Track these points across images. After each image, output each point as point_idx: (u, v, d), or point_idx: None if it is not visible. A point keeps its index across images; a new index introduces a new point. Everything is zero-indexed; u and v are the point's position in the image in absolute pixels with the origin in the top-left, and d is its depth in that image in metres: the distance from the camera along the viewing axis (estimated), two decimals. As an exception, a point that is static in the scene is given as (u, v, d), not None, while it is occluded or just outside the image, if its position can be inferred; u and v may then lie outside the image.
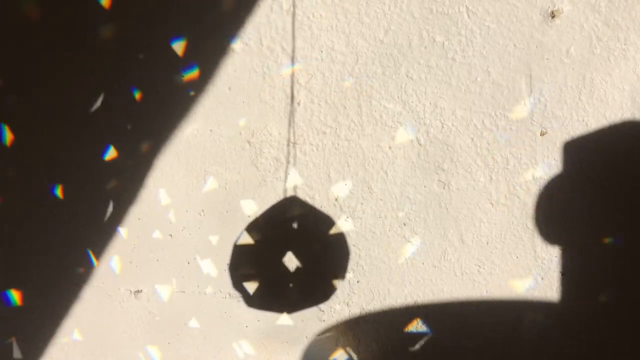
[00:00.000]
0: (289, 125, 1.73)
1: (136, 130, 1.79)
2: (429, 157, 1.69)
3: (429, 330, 1.75)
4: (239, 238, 1.79)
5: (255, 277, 1.80)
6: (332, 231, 1.75)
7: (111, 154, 1.81)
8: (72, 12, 1.77)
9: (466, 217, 1.69)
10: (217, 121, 1.75)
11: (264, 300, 1.80)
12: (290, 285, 1.78)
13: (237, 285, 1.81)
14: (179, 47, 1.74)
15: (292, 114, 1.72)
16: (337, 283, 1.77)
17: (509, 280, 1.69)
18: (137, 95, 1.78)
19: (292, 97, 1.72)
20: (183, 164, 1.79)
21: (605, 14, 1.57)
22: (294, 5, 1.68)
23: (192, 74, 1.74)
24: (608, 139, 1.61)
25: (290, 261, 1.77)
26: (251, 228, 1.78)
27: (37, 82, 1.81)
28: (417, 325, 1.75)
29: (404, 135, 1.69)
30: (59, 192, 1.85)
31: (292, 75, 1.71)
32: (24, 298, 1.91)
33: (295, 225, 1.76)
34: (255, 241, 1.79)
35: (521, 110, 1.64)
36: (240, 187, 1.77)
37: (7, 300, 1.91)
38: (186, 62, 1.74)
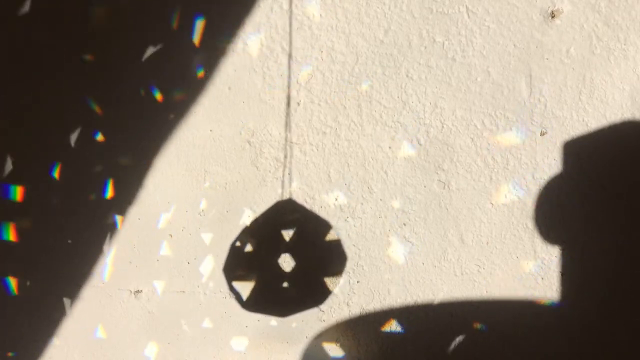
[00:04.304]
0: (289, 125, 1.73)
1: (136, 130, 1.79)
2: (429, 157, 1.69)
3: (428, 331, 1.75)
4: (237, 239, 1.79)
5: (253, 279, 1.80)
6: (330, 233, 1.75)
7: (111, 154, 1.81)
8: (71, 18, 1.78)
9: (466, 217, 1.69)
10: (217, 121, 1.76)
11: (263, 302, 1.80)
12: (289, 286, 1.78)
13: (236, 286, 1.81)
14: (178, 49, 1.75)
15: (290, 114, 1.72)
16: (336, 284, 1.77)
17: (509, 280, 1.69)
18: (139, 98, 1.78)
19: (290, 97, 1.72)
20: (183, 164, 1.79)
21: (605, 14, 1.57)
22: (295, 6, 1.68)
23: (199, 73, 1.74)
24: (608, 139, 1.61)
25: (289, 262, 1.77)
26: (250, 229, 1.78)
27: (36, 85, 1.82)
28: (416, 326, 1.75)
29: (404, 135, 1.69)
30: (59, 198, 1.85)
31: (291, 76, 1.71)
32: (25, 298, 1.91)
33: (293, 227, 1.76)
34: (254, 242, 1.79)
35: (521, 111, 1.64)
36: (240, 187, 1.77)
37: (6, 288, 1.89)
38: (186, 62, 1.74)
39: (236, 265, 1.80)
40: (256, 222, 1.77)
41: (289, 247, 1.77)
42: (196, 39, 1.73)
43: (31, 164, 1.85)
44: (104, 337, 1.90)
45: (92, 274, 1.87)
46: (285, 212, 1.76)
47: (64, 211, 1.85)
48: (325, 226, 1.74)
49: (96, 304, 1.88)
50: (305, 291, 1.78)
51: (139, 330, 1.88)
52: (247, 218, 1.78)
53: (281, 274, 1.77)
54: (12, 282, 1.91)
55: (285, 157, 1.73)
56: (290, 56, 1.70)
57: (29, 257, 1.88)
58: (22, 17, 1.80)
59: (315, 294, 1.78)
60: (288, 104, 1.72)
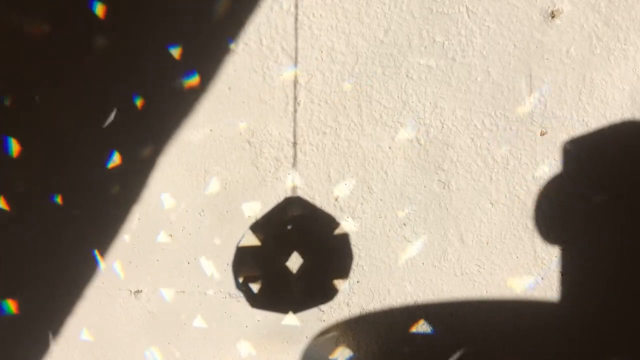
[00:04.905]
0: (294, 125, 1.73)
1: (137, 131, 1.79)
2: (429, 157, 1.69)
3: (428, 331, 1.75)
4: (241, 239, 1.79)
5: (256, 277, 1.80)
6: (336, 231, 1.75)
7: (112, 155, 1.81)
8: (71, 21, 1.78)
9: (466, 217, 1.69)
10: (217, 121, 1.76)
11: (264, 301, 1.80)
12: (292, 285, 1.78)
13: (239, 285, 1.81)
14: (178, 49, 1.74)
15: (294, 114, 1.72)
16: (339, 284, 1.77)
17: (509, 280, 1.69)
18: (139, 98, 1.78)
19: (295, 97, 1.72)
20: (183, 164, 1.79)
21: (605, 14, 1.57)
22: (295, 6, 1.68)
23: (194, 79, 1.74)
24: (608, 139, 1.61)
25: (292, 261, 1.77)
26: (252, 228, 1.78)
27: (39, 88, 1.82)
28: (417, 326, 1.75)
29: (404, 135, 1.69)
30: (58, 198, 1.85)
31: (294, 75, 1.71)
32: (25, 298, 1.91)
33: (297, 226, 1.76)
34: (257, 241, 1.79)
35: (521, 110, 1.64)
36: (241, 187, 1.77)
37: (1, 310, 1.91)
38: (186, 62, 1.74)
39: (243, 263, 1.80)
40: (262, 219, 1.77)
41: (294, 244, 1.77)
42: (196, 38, 1.73)
43: (31, 163, 1.85)
44: (103, 337, 1.90)
45: (92, 274, 1.87)
46: (291, 209, 1.76)
47: (65, 210, 1.85)
48: (333, 222, 1.74)
49: (96, 304, 1.88)
50: (311, 289, 1.78)
51: (139, 330, 1.88)
52: (247, 218, 1.78)
53: (287, 272, 1.77)
54: (11, 305, 1.91)
55: (294, 156, 1.73)
56: (294, 57, 1.70)
57: (29, 256, 1.88)
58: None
59: (320, 292, 1.78)
60: (294, 105, 1.72)
